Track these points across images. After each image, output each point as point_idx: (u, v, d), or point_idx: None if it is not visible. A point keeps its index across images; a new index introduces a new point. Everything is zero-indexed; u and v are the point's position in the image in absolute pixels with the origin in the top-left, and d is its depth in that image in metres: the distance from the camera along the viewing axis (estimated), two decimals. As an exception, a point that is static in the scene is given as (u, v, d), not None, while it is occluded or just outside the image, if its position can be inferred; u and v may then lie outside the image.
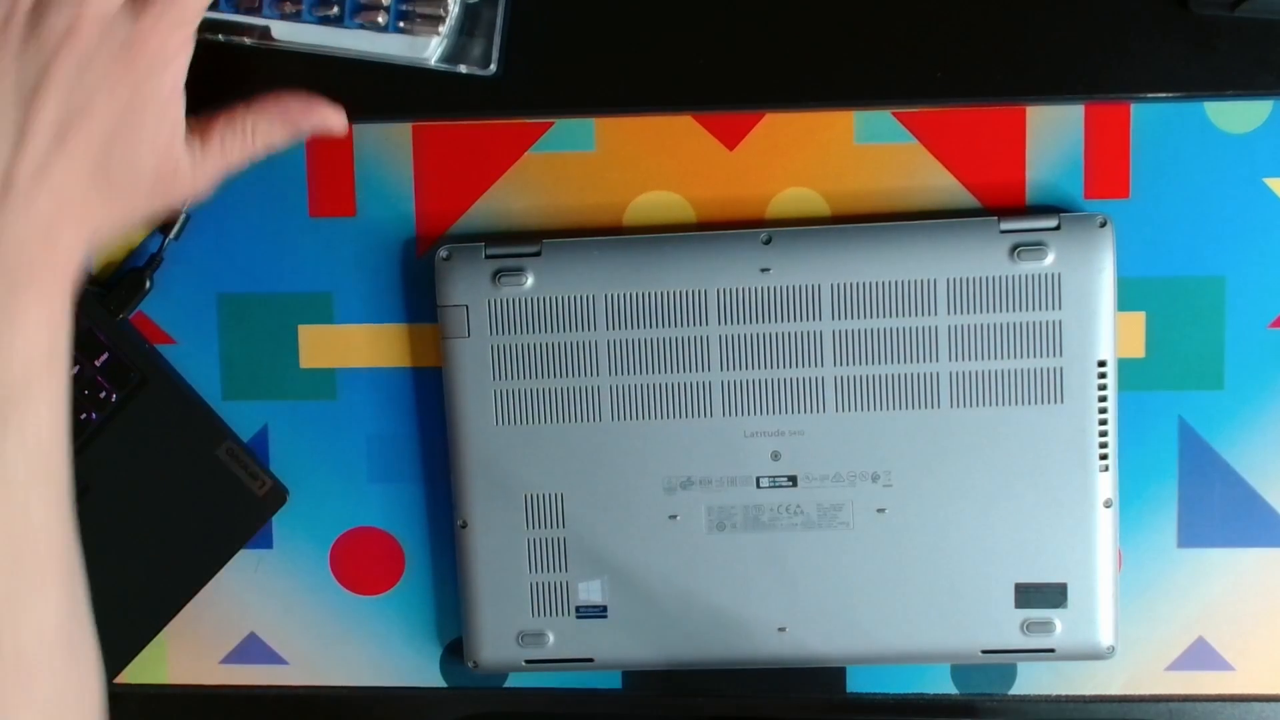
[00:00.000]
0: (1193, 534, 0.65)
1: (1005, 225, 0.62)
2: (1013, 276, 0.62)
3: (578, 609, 0.65)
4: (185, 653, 0.70)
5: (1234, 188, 0.63)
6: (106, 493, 0.67)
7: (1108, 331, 0.62)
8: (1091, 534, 0.63)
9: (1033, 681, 0.66)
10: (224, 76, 0.65)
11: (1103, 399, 0.62)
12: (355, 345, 0.67)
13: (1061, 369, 0.62)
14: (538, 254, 0.64)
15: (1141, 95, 0.62)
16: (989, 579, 0.63)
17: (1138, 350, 0.64)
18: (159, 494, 0.67)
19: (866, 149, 0.64)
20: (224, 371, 0.68)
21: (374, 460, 0.68)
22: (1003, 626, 0.63)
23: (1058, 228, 0.62)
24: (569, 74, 0.64)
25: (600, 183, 0.66)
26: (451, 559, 0.67)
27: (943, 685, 0.67)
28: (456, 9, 0.62)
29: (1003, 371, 0.62)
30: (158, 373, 0.67)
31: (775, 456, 0.63)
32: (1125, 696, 0.66)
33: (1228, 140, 0.63)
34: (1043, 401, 0.62)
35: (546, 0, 0.63)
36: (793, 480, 0.63)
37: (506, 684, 0.68)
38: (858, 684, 0.67)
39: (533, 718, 0.68)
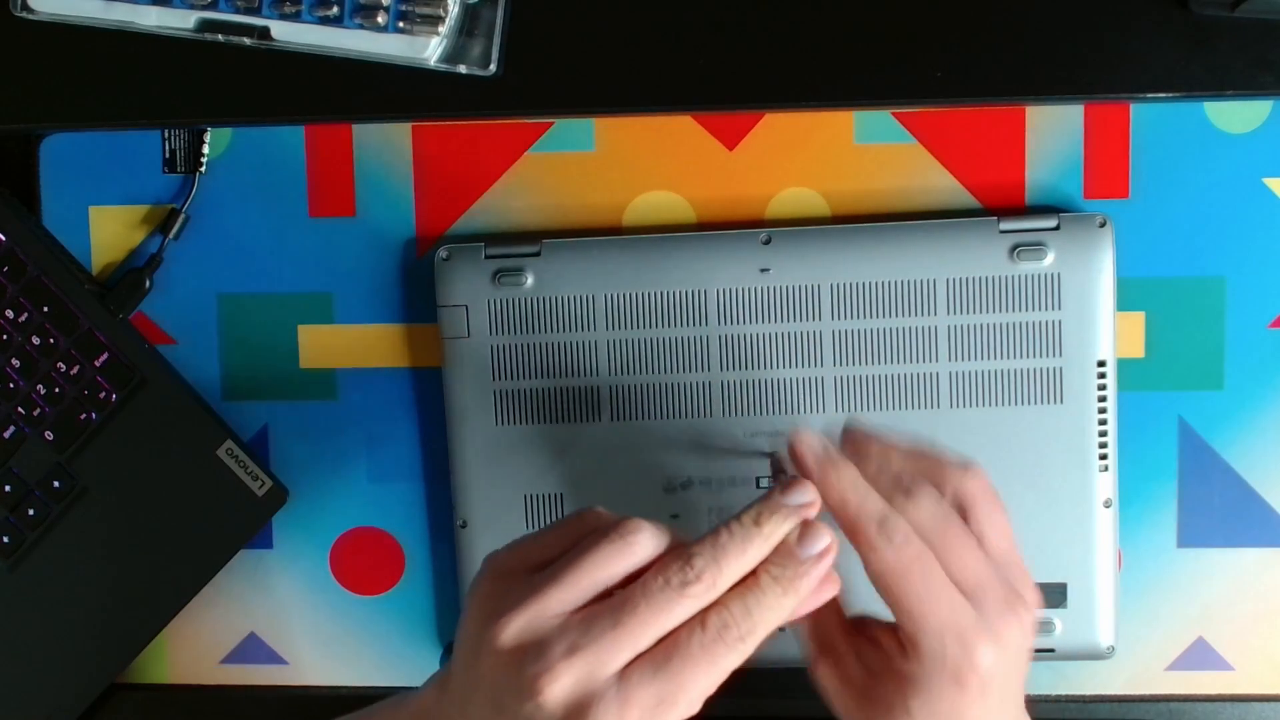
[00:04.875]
0: (1192, 534, 0.65)
1: (1005, 225, 0.62)
2: (1012, 276, 0.62)
3: (578, 609, 0.65)
4: (185, 653, 0.70)
5: (1234, 188, 0.63)
6: (106, 493, 0.67)
7: (1107, 331, 0.62)
8: (1091, 534, 0.63)
9: (1033, 681, 0.66)
10: (224, 76, 0.65)
11: (1102, 399, 0.62)
12: (355, 345, 0.67)
13: (1061, 369, 0.62)
14: (537, 254, 0.64)
15: (1141, 95, 0.62)
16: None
17: (1137, 350, 0.64)
18: (159, 494, 0.67)
19: (866, 149, 0.64)
20: (224, 371, 0.68)
21: (374, 460, 0.68)
22: (1003, 626, 0.63)
23: (1057, 228, 0.62)
24: (569, 74, 0.64)
25: (600, 183, 0.66)
26: (451, 559, 0.67)
27: (943, 685, 0.67)
28: (456, 9, 0.62)
29: (1002, 371, 0.62)
30: (158, 373, 0.67)
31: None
32: (1125, 696, 0.66)
33: (1228, 140, 0.63)
34: (1042, 401, 0.62)
35: (546, 0, 0.63)
36: (793, 480, 0.63)
37: (506, 684, 0.68)
38: (858, 684, 0.67)
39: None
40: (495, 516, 0.65)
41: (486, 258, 0.64)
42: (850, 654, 0.51)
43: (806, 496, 0.47)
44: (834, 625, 0.51)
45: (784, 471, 0.57)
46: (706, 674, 0.44)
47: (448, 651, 0.68)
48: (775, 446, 0.63)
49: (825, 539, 0.46)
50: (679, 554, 0.45)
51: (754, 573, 0.46)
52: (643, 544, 0.46)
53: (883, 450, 0.51)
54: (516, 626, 0.44)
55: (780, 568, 0.46)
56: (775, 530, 0.46)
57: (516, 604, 0.45)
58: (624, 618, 0.44)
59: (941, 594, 0.47)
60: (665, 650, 0.44)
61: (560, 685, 0.43)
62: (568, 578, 0.45)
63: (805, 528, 0.46)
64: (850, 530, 0.48)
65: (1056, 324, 0.62)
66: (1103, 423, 0.62)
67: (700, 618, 0.44)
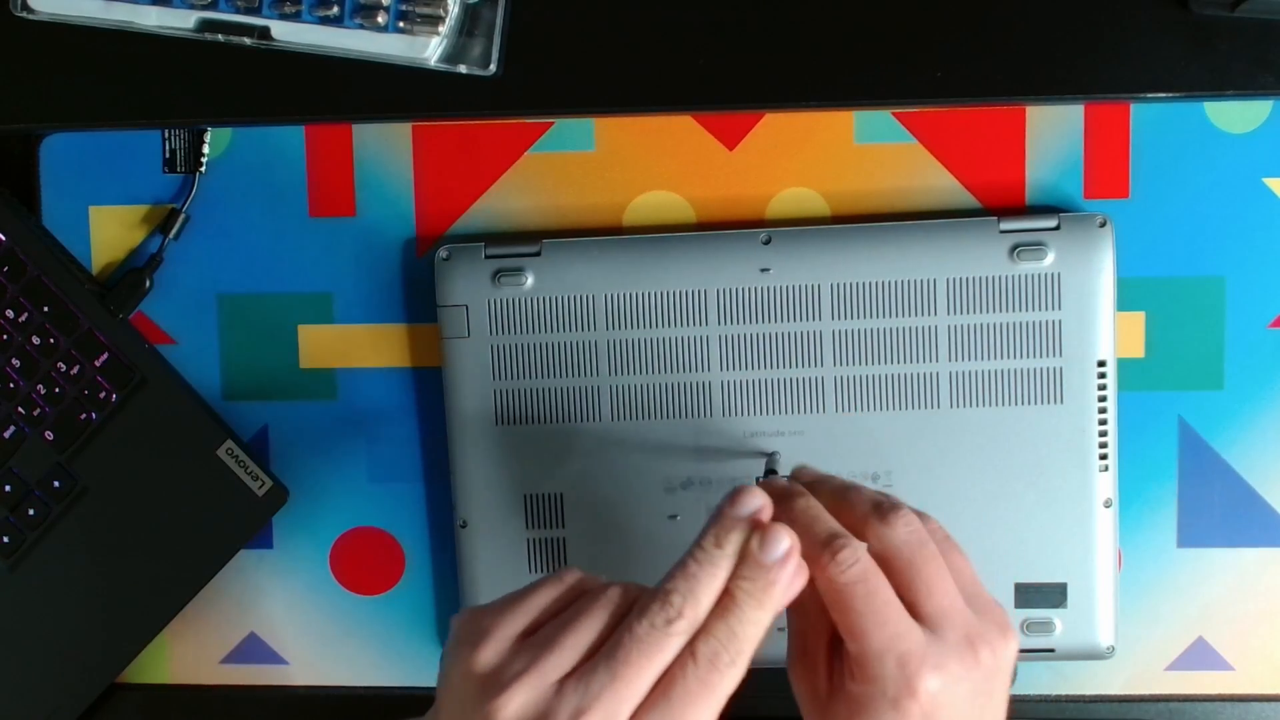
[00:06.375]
0: (1193, 534, 0.65)
1: (1005, 225, 0.62)
2: (1012, 276, 0.62)
3: (578, 609, 0.65)
4: (186, 653, 0.70)
5: (1234, 188, 0.63)
6: (106, 493, 0.67)
7: (1107, 331, 0.62)
8: (1091, 534, 0.63)
9: (1033, 681, 0.66)
10: (224, 76, 0.65)
11: (1102, 399, 0.62)
12: (355, 345, 0.67)
13: (1061, 369, 0.62)
14: (538, 254, 0.64)
15: (1141, 95, 0.62)
16: (989, 579, 0.63)
17: (1138, 350, 0.64)
18: (159, 494, 0.67)
19: (866, 149, 0.64)
20: (224, 371, 0.68)
21: (374, 460, 0.68)
22: (1003, 626, 0.63)
23: (1057, 228, 0.62)
24: (569, 74, 0.64)
25: (600, 183, 0.66)
26: (451, 559, 0.67)
27: (943, 685, 0.67)
28: (456, 9, 0.62)
29: (1003, 371, 0.62)
30: (158, 373, 0.67)
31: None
32: (1125, 696, 0.66)
33: (1228, 140, 0.63)
34: (1043, 401, 0.62)
35: (546, 0, 0.63)
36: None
37: (506, 684, 0.68)
38: (858, 684, 0.67)
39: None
40: (495, 516, 0.65)
41: (486, 258, 0.64)
42: (824, 667, 0.51)
43: (755, 503, 0.47)
44: (818, 634, 0.51)
45: (776, 471, 0.58)
46: (708, 705, 0.44)
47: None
48: (775, 446, 0.63)
49: (785, 540, 0.46)
50: (655, 594, 0.45)
51: (727, 590, 0.45)
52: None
53: (843, 483, 0.52)
54: (519, 701, 0.44)
55: (750, 580, 0.45)
56: (736, 545, 0.46)
57: (516, 676, 0.44)
58: (619, 669, 0.44)
59: (885, 616, 0.47)
60: (664, 692, 0.44)
61: None
62: (566, 643, 0.45)
63: (765, 533, 0.46)
64: (804, 551, 0.48)
65: (1056, 324, 0.62)
66: (1103, 423, 0.62)
67: (690, 651, 0.44)
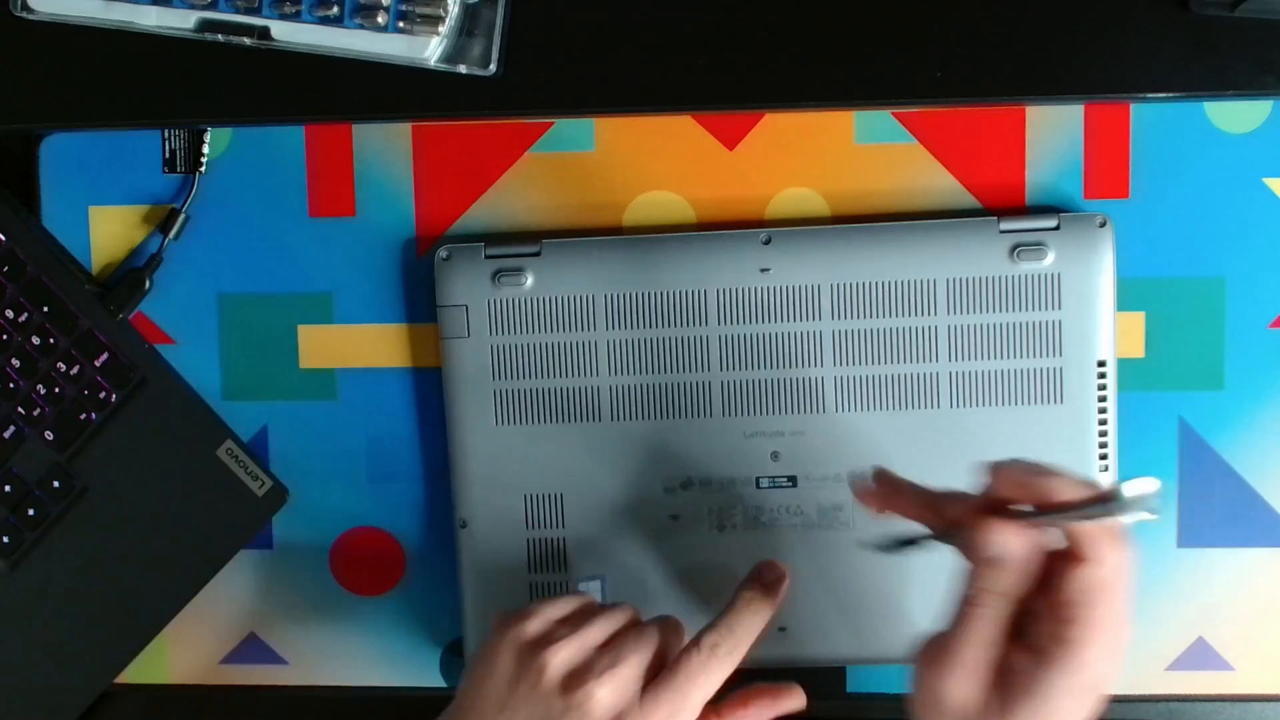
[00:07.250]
0: (1193, 534, 0.65)
1: (1005, 225, 0.62)
2: (1012, 276, 0.62)
3: (578, 609, 0.65)
4: (185, 653, 0.70)
5: (1234, 188, 0.63)
6: (106, 493, 0.67)
7: (1107, 331, 0.62)
8: (1091, 534, 0.63)
9: (1033, 681, 0.66)
10: (224, 76, 0.65)
11: (1102, 399, 0.62)
12: (355, 345, 0.67)
13: (1061, 369, 0.62)
14: (537, 254, 0.64)
15: (1141, 95, 0.62)
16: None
17: (1138, 350, 0.64)
18: (159, 494, 0.67)
19: (866, 149, 0.64)
20: (224, 371, 0.68)
21: (374, 460, 0.68)
22: (1003, 626, 0.63)
23: (1057, 228, 0.62)
24: (569, 74, 0.64)
25: (600, 183, 0.66)
26: (451, 559, 0.67)
27: (943, 685, 0.67)
28: (456, 9, 0.62)
29: (1002, 371, 0.62)
30: (158, 373, 0.67)
31: (775, 457, 0.63)
32: (1125, 696, 0.66)
33: (1228, 140, 0.63)
34: (1042, 401, 0.62)
35: (546, 0, 0.63)
36: (793, 480, 0.64)
37: (506, 684, 0.68)
38: (858, 684, 0.67)
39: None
40: (495, 516, 0.65)
41: (486, 258, 0.64)
42: (984, 679, 0.49)
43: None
44: (993, 644, 0.49)
45: (868, 477, 0.55)
46: (706, 683, 0.53)
47: (448, 651, 0.68)
48: (775, 446, 0.63)
49: (778, 569, 0.56)
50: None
51: (731, 600, 0.55)
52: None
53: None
54: (566, 653, 0.52)
55: (750, 592, 0.55)
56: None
57: (562, 637, 0.53)
58: (644, 641, 0.53)
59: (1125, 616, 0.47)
60: (672, 669, 0.53)
61: (599, 700, 0.52)
62: (599, 623, 0.54)
63: (762, 563, 0.57)
64: (1073, 536, 0.46)
65: (1056, 324, 0.62)
66: (1103, 423, 0.62)
67: (695, 640, 0.54)
